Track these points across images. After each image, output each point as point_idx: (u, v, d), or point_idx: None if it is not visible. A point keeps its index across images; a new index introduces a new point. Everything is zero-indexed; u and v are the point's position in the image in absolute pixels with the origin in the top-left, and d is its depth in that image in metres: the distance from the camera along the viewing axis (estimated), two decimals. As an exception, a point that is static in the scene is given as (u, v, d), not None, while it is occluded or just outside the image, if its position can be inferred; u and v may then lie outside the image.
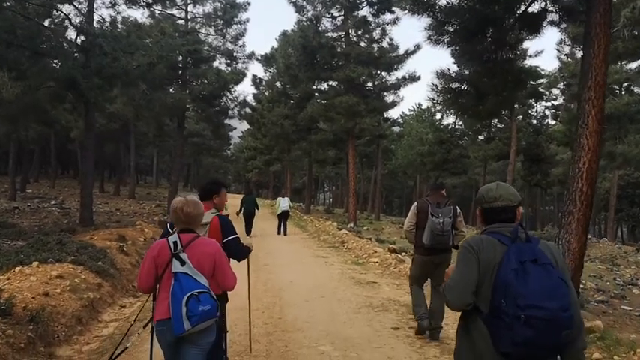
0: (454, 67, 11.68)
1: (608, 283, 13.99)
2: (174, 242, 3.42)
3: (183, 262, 3.34)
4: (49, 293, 7.17)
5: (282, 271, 11.18)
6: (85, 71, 15.69)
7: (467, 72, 11.19)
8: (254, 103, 42.05)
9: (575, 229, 8.37)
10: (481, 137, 41.85)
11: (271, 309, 7.64)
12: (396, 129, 56.86)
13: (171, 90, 22.71)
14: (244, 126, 58.01)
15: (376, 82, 28.17)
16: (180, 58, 23.40)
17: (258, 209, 18.67)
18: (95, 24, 17.15)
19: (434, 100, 17.14)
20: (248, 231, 18.17)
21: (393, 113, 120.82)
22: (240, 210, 18.30)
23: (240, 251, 4.48)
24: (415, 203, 6.54)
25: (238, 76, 25.43)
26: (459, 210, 6.30)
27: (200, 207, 3.66)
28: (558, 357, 2.34)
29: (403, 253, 13.49)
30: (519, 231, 2.40)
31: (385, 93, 28.26)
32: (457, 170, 45.41)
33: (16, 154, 31.39)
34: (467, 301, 2.39)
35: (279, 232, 19.42)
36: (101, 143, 42.84)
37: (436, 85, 14.71)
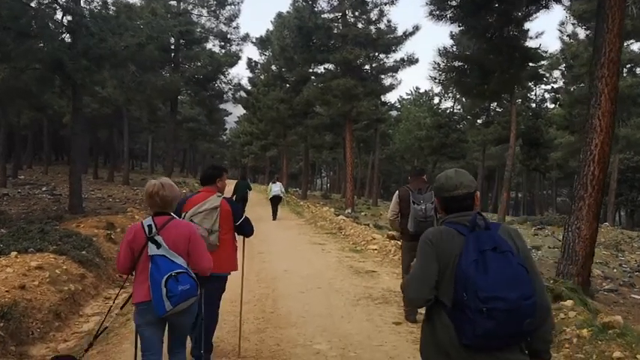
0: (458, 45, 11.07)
1: (615, 270, 13.57)
2: (149, 226, 3.46)
3: (159, 245, 3.39)
4: (26, 286, 6.69)
5: (276, 260, 10.70)
6: (71, 52, 15.09)
7: (471, 50, 10.62)
8: (249, 87, 41.34)
9: (586, 215, 7.90)
10: (480, 121, 41.31)
11: (263, 302, 7.16)
12: (394, 113, 56.18)
13: (164, 73, 22.07)
14: (240, 111, 57.22)
15: (374, 65, 27.53)
16: (173, 40, 22.76)
17: (250, 190, 18.61)
18: (82, 3, 16.49)
19: (435, 79, 16.39)
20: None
21: (391, 97, 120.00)
22: (233, 195, 17.89)
23: (251, 229, 4.90)
24: (397, 191, 6.60)
25: (232, 59, 24.74)
26: None
27: (175, 189, 3.68)
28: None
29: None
30: (477, 218, 2.30)
31: (383, 76, 27.62)
32: (455, 155, 44.91)
33: (5, 140, 30.68)
34: (426, 297, 2.32)
35: (274, 218, 19.29)
36: (94, 128, 42.35)
37: (438, 64, 14.11)
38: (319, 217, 19.65)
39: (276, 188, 19.45)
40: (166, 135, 25.97)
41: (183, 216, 4.45)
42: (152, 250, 3.38)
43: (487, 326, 2.09)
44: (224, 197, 4.72)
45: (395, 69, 26.81)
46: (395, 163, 64.62)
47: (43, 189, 27.61)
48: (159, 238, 3.41)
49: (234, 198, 17.39)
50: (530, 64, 22.39)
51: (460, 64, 11.09)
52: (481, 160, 41.54)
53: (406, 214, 6.17)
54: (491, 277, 2.10)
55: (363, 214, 26.06)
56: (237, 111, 60.90)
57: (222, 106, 70.81)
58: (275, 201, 19.48)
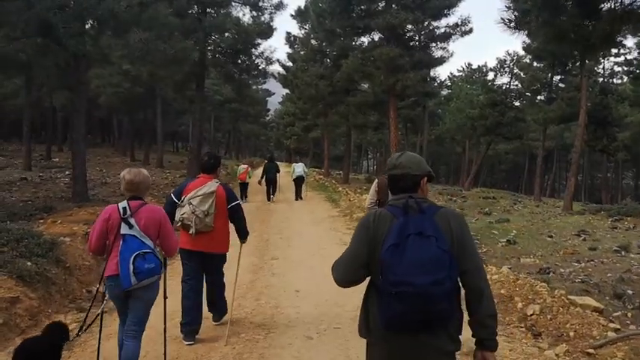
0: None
1: None
2: (124, 208, 3.86)
3: (131, 226, 3.80)
4: None
5: (291, 271, 8.21)
6: (64, 14, 12.88)
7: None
8: (290, 64, 38.81)
9: None
10: (540, 97, 37.44)
11: (246, 357, 4.63)
12: (444, 92, 52.63)
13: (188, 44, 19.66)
14: (284, 90, 54.65)
15: (422, 32, 24.29)
16: (197, 8, 20.37)
17: (279, 172, 19.31)
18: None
19: (510, 22, 12.46)
20: (269, 197, 18.94)
21: (441, 74, 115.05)
22: (262, 177, 18.89)
23: (242, 216, 5.35)
24: (375, 180, 6.63)
25: (262, 28, 22.07)
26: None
27: (140, 176, 4.00)
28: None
29: (475, 241, 10.24)
30: (410, 202, 2.33)
31: (433, 45, 24.41)
32: (511, 135, 41.37)
33: (29, 121, 29.19)
34: (351, 279, 2.44)
35: (296, 198, 19.81)
36: (132, 110, 40.83)
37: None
38: (357, 206, 16.85)
39: (299, 169, 19.79)
40: (195, 114, 23.73)
41: (183, 199, 5.02)
42: (124, 229, 3.78)
43: (397, 309, 2.13)
44: (221, 183, 5.23)
45: (446, 37, 23.52)
46: (445, 145, 61.14)
47: (67, 173, 25.96)
48: (132, 220, 3.82)
49: (263, 179, 18.84)
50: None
51: (549, -4, 8.11)
52: (541, 141, 37.86)
53: (385, 203, 4.92)
54: (406, 261, 2.13)
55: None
56: (280, 91, 58.51)
57: (265, 86, 69.05)
58: (299, 182, 19.89)
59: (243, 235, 5.43)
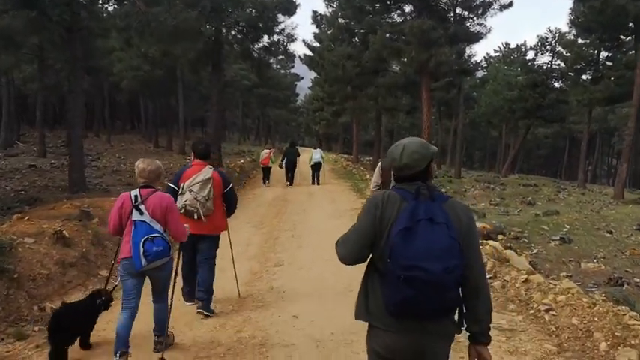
0: None
1: None
2: (135, 196, 4.14)
3: (141, 213, 4.08)
4: None
5: (294, 283, 6.55)
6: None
7: None
8: (317, 45, 36.93)
9: None
10: (585, 77, 34.72)
11: None
12: (479, 74, 49.91)
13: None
14: (313, 74, 52.65)
15: (457, 2, 21.96)
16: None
17: (299, 156, 19.55)
18: None
19: None
20: (290, 181, 19.45)
21: (477, 53, 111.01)
22: (283, 160, 19.37)
23: (236, 200, 5.79)
24: (380, 163, 6.61)
25: (282, 1, 20.27)
26: None
27: (153, 165, 4.25)
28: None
29: (523, 240, 8.45)
30: (422, 187, 2.27)
31: (470, 16, 22.12)
32: (552, 118, 38.76)
33: (43, 105, 28.11)
34: (356, 257, 2.35)
35: (312, 182, 20.33)
36: (156, 95, 39.69)
37: None
38: (384, 196, 15.10)
39: (317, 155, 20.25)
40: (212, 97, 22.16)
41: (182, 187, 5.36)
42: (135, 215, 4.07)
43: (407, 294, 2.08)
44: (215, 169, 5.54)
45: (484, 7, 21.30)
46: (480, 129, 58.48)
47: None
48: (142, 207, 4.08)
49: (283, 162, 19.34)
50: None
51: None
52: (584, 124, 35.21)
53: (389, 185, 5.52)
54: (417, 246, 2.08)
55: (443, 190, 21.20)
56: (309, 75, 56.57)
57: (293, 70, 67.04)
58: (316, 167, 20.40)
59: (230, 213, 5.79)
